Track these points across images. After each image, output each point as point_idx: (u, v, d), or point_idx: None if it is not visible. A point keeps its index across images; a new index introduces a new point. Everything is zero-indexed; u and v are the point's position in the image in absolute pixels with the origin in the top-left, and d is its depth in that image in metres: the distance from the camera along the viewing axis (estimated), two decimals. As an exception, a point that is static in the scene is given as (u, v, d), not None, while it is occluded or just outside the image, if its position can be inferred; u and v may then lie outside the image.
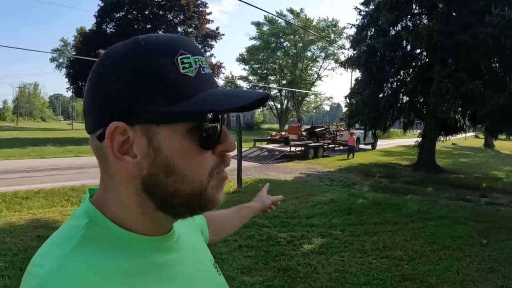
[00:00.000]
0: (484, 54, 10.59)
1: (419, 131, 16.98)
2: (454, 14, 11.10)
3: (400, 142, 32.94)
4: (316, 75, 49.69)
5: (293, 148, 16.88)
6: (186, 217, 0.65)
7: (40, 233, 5.36)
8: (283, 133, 20.32)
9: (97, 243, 0.58)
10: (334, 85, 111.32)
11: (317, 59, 48.78)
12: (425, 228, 6.45)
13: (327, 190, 9.68)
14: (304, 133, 19.97)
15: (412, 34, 11.02)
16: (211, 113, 0.58)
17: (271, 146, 17.78)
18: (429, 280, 4.35)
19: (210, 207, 0.63)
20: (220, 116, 0.60)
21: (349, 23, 14.18)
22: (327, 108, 74.69)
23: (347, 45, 44.03)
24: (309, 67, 49.28)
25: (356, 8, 14.41)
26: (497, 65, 11.94)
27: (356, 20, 14.54)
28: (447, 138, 16.86)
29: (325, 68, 49.40)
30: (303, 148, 17.13)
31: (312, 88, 49.61)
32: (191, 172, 0.58)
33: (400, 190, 10.35)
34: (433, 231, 6.27)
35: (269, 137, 19.87)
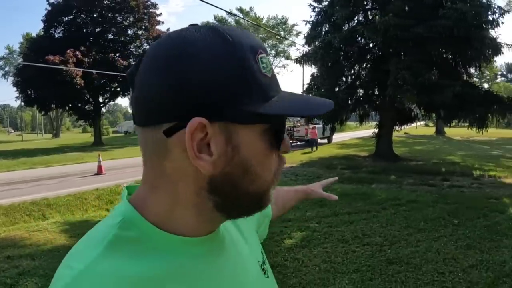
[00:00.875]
0: (438, 45, 11.09)
1: (375, 122, 17.45)
2: (407, 8, 11.49)
3: (354, 134, 33.81)
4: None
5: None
6: (242, 217, 0.63)
7: (10, 253, 5.08)
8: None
9: (131, 245, 0.55)
10: (286, 82, 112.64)
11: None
12: (397, 214, 6.67)
13: (294, 185, 9.75)
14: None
15: (369, 29, 11.34)
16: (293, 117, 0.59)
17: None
18: (414, 262, 4.52)
19: (265, 206, 0.62)
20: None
21: (303, 20, 14.19)
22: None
23: (297, 42, 44.79)
24: (261, 66, 49.54)
25: (310, 5, 14.63)
26: (450, 55, 12.48)
27: (310, 17, 14.80)
28: (402, 127, 17.44)
29: (276, 66, 49.66)
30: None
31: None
32: (263, 173, 0.57)
33: (365, 180, 10.62)
34: (406, 216, 6.50)
35: None
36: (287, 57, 47.04)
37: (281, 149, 0.59)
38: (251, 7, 49.52)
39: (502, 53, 11.58)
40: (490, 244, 5.10)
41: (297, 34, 43.50)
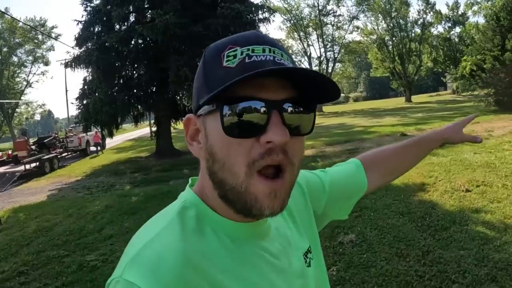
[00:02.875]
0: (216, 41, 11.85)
1: (149, 122, 17.39)
2: (185, 7, 11.84)
3: (124, 137, 33.21)
4: (25, 82, 44.33)
5: (27, 166, 14.90)
6: (243, 215, 0.63)
7: None
8: (10, 151, 17.64)
9: (191, 222, 0.65)
10: (45, 90, 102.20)
11: (25, 63, 43.53)
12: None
13: (93, 199, 9.07)
14: (33, 147, 17.85)
15: (148, 27, 11.27)
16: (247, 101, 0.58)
17: (1, 169, 15.24)
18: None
19: (255, 213, 0.61)
20: (268, 104, 0.58)
21: (75, 20, 13.06)
22: (38, 117, 67.90)
23: (57, 45, 40.94)
24: (17, 74, 43.50)
25: (82, 3, 13.65)
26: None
27: (82, 16, 13.78)
28: (177, 123, 17.78)
29: (35, 73, 44.48)
30: (38, 163, 15.34)
31: (22, 97, 44.16)
32: (228, 161, 0.60)
33: (161, 179, 10.61)
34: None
35: None
36: (46, 63, 42.72)
37: (263, 139, 0.58)
38: (6, 8, 42.75)
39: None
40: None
41: (57, 37, 39.90)
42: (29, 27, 37.19)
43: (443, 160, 7.83)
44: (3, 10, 31.34)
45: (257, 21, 12.60)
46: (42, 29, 40.52)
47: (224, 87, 0.55)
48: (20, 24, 37.53)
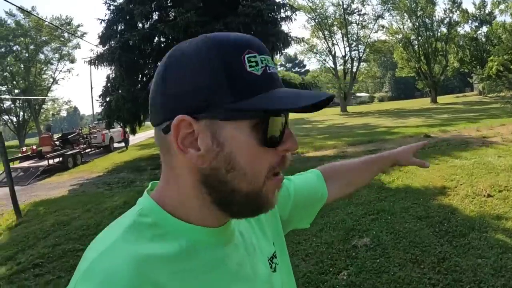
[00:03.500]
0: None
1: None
2: (206, 5, 11.87)
3: (146, 135, 33.58)
4: (51, 79, 45.34)
5: (50, 161, 15.19)
6: (244, 217, 0.68)
7: None
8: (34, 146, 17.99)
9: (148, 229, 0.61)
10: (71, 87, 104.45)
11: (52, 61, 44.52)
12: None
13: (112, 194, 9.18)
14: (57, 142, 18.20)
15: (169, 26, 11.33)
16: (277, 112, 0.60)
17: (25, 164, 15.55)
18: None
19: (265, 209, 0.65)
20: (285, 115, 0.62)
21: (98, 18, 13.28)
22: (64, 113, 69.38)
23: (82, 43, 41.71)
24: (44, 71, 44.53)
25: (105, 2, 13.82)
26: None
27: (105, 15, 13.94)
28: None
29: (61, 71, 45.41)
30: (61, 159, 15.63)
31: (49, 94, 45.21)
32: (251, 170, 0.60)
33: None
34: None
35: (20, 155, 17.29)
36: (72, 61, 43.61)
37: (282, 148, 0.62)
38: (33, 7, 43.86)
39: (292, 45, 13.16)
40: (323, 209, 5.62)
41: (83, 35, 40.69)
42: (54, 26, 37.93)
43: (466, 163, 7.62)
44: (28, 10, 32.09)
45: (278, 19, 12.51)
46: (68, 27, 41.30)
47: (288, 107, 0.57)
48: (46, 22, 38.35)
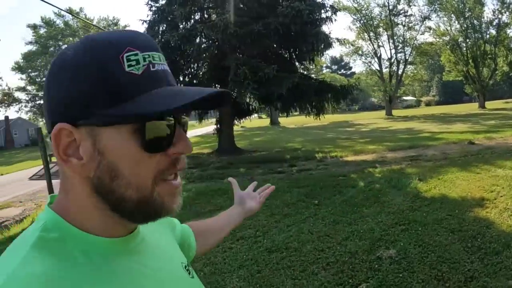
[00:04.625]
0: (276, 41, 11.80)
1: (214, 119, 17.75)
2: (246, 6, 11.93)
3: (192, 133, 34.10)
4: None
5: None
6: (142, 223, 0.64)
7: None
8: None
9: (55, 245, 0.57)
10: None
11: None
12: (258, 204, 6.79)
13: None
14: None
15: (208, 26, 11.44)
16: (147, 116, 0.56)
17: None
18: (291, 246, 4.63)
19: (163, 214, 0.62)
20: (173, 116, 0.59)
21: (140, 19, 13.63)
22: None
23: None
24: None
25: (147, 3, 14.15)
26: (286, 50, 13.35)
27: (147, 16, 14.29)
28: (241, 121, 18.09)
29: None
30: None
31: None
32: (135, 177, 0.58)
33: (216, 176, 10.63)
34: (267, 205, 6.64)
35: None
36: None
37: (171, 151, 0.59)
38: (81, 8, 45.77)
39: (333, 47, 13.01)
40: (353, 216, 5.56)
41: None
42: (100, 29, 39.22)
43: (509, 173, 7.22)
44: (77, 11, 33.30)
45: (318, 20, 12.34)
46: (115, 28, 42.62)
47: (163, 110, 0.54)
48: (94, 23, 39.71)
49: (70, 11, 30.30)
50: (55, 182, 9.04)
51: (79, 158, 0.57)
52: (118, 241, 0.63)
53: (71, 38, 42.61)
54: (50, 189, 7.93)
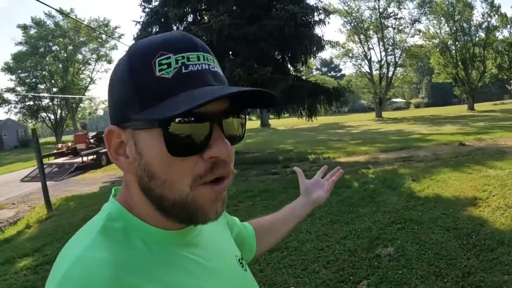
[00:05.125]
0: (270, 43, 11.85)
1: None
2: (240, 8, 11.94)
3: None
4: (89, 79, 46.76)
5: (85, 158, 15.62)
6: (186, 224, 0.65)
7: None
8: (70, 143, 18.55)
9: (119, 234, 0.61)
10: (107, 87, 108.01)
11: (89, 61, 45.92)
12: (255, 205, 6.82)
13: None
14: (92, 140, 18.68)
15: (203, 28, 11.44)
16: (164, 120, 0.56)
17: (60, 160, 16.08)
18: (291, 245, 4.68)
19: (201, 220, 0.62)
20: (209, 118, 0.58)
21: (133, 20, 13.54)
22: (101, 112, 71.14)
23: (120, 44, 42.81)
24: (81, 71, 45.98)
25: (141, 5, 14.06)
26: (280, 52, 13.40)
27: (140, 17, 14.20)
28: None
29: (98, 71, 46.82)
30: (95, 156, 16.05)
31: (86, 93, 46.61)
32: (169, 179, 0.59)
33: (211, 177, 10.73)
34: (264, 205, 6.70)
35: (55, 151, 17.88)
36: (109, 61, 44.83)
37: (207, 155, 0.58)
38: (71, 8, 45.37)
39: (325, 49, 13.06)
40: (350, 215, 5.64)
41: (120, 37, 41.74)
42: (91, 28, 39.07)
43: (500, 174, 7.36)
44: (67, 11, 33.11)
45: (312, 22, 12.43)
46: (105, 29, 42.52)
47: (179, 112, 0.53)
48: (84, 24, 39.51)
49: (61, 11, 30.03)
50: (50, 184, 9.10)
51: (126, 157, 0.62)
52: (175, 233, 0.66)
53: (61, 39, 42.30)
54: (45, 190, 7.93)
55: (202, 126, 0.57)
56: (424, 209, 5.67)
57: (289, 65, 13.40)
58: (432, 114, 38.21)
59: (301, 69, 14.31)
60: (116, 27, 44.93)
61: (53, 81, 44.07)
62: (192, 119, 0.56)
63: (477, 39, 43.67)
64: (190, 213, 0.60)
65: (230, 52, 12.67)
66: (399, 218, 5.31)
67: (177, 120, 0.56)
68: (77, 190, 10.61)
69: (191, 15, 13.73)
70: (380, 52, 45.70)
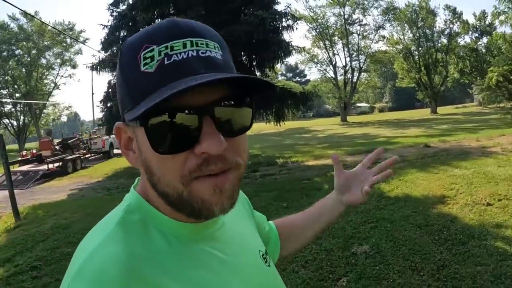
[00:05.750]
0: (239, 48, 11.89)
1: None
2: (207, 14, 11.92)
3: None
4: (53, 84, 45.36)
5: (50, 165, 15.19)
6: (193, 218, 0.62)
7: None
8: (34, 150, 18.01)
9: (136, 226, 0.61)
10: (72, 93, 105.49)
11: (53, 66, 44.58)
12: (228, 209, 6.82)
13: (112, 199, 9.12)
14: (57, 147, 18.20)
15: (172, 32, 11.37)
16: (139, 117, 0.54)
17: (24, 167, 15.56)
18: (268, 247, 4.70)
19: (205, 214, 0.59)
20: (197, 110, 0.54)
21: (101, 24, 13.31)
22: (65, 119, 69.40)
23: (85, 49, 41.78)
24: (45, 76, 44.58)
25: (108, 8, 13.88)
26: (247, 57, 13.42)
27: (108, 21, 13.99)
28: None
29: (62, 76, 45.39)
30: (61, 163, 15.64)
31: (49, 99, 45.28)
32: (162, 174, 0.58)
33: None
34: (237, 210, 6.71)
35: (20, 158, 17.29)
36: (73, 66, 43.77)
37: (198, 150, 0.55)
38: (36, 11, 43.92)
39: (293, 54, 13.16)
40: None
41: (84, 41, 40.79)
42: (57, 31, 38.06)
43: (465, 173, 7.62)
44: (32, 14, 32.17)
45: (280, 28, 12.55)
46: (70, 33, 41.41)
47: (142, 112, 0.51)
48: (49, 27, 38.48)
49: (26, 13, 29.08)
50: (16, 192, 8.76)
51: (134, 152, 0.63)
52: (194, 226, 0.64)
53: (24, 43, 40.97)
54: (13, 199, 7.67)
55: (188, 120, 0.54)
56: (395, 208, 5.81)
57: (256, 71, 13.44)
58: (396, 118, 39.10)
59: (268, 74, 14.39)
60: (81, 31, 43.65)
61: (16, 86, 42.55)
62: (167, 114, 0.53)
63: (439, 45, 45.10)
64: (192, 208, 0.58)
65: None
66: (372, 218, 5.42)
67: (154, 117, 0.53)
68: (44, 198, 10.30)
69: (159, 20, 13.62)
70: (345, 57, 46.49)
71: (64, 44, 41.94)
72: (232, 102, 0.57)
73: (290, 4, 13.98)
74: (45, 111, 46.07)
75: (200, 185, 0.57)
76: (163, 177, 0.57)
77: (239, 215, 0.81)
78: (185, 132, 0.54)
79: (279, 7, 13.16)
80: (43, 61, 43.59)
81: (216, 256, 0.66)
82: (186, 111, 0.53)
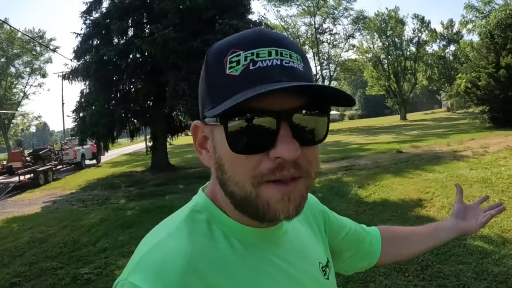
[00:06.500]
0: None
1: (145, 136, 17.24)
2: (182, 23, 11.94)
3: (119, 151, 32.97)
4: (22, 94, 44.11)
5: (22, 177, 14.75)
6: (257, 221, 0.62)
7: None
8: (4, 162, 17.47)
9: (201, 225, 0.64)
10: (41, 102, 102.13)
11: (22, 75, 43.34)
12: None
13: (87, 211, 8.95)
14: (28, 158, 17.73)
15: (146, 41, 11.33)
16: (219, 116, 0.56)
17: (-6, 180, 15.07)
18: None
19: (269, 218, 0.59)
20: (276, 115, 0.55)
21: (74, 32, 13.08)
22: (34, 129, 67.46)
23: (55, 58, 40.67)
24: (14, 85, 43.30)
25: (82, 16, 13.69)
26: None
27: (81, 29, 13.80)
28: (173, 138, 17.78)
29: (32, 85, 44.23)
30: (32, 175, 15.22)
31: (18, 108, 43.99)
32: (234, 175, 0.58)
33: (156, 193, 10.48)
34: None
35: None
36: (43, 75, 42.75)
37: (272, 154, 0.56)
38: (6, 18, 42.69)
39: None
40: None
41: (55, 49, 39.90)
42: (27, 37, 37.18)
43: (439, 176, 7.85)
44: (2, 20, 31.33)
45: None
46: (40, 40, 40.51)
47: (225, 109, 0.53)
48: (19, 34, 37.57)
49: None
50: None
51: (208, 151, 0.64)
52: (258, 230, 0.65)
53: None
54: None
55: (266, 123, 0.55)
56: (373, 213, 5.93)
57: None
58: (367, 125, 39.71)
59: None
60: (51, 39, 42.77)
61: (-17, 95, 41.19)
62: (248, 116, 0.55)
63: (408, 53, 46.38)
64: (257, 210, 0.58)
65: (174, 66, 12.60)
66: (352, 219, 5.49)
67: (235, 116, 0.55)
68: (17, 211, 9.99)
69: (132, 29, 13.55)
70: (316, 66, 47.22)
71: (34, 53, 41.00)
72: (311, 112, 0.59)
73: (264, 14, 14.18)
74: (14, 121, 44.70)
75: (269, 190, 0.57)
76: (233, 176, 0.58)
77: (303, 223, 0.80)
78: (262, 135, 0.55)
79: (253, 17, 13.33)
80: (12, 69, 42.45)
81: (274, 262, 0.66)
82: (266, 114, 0.55)
